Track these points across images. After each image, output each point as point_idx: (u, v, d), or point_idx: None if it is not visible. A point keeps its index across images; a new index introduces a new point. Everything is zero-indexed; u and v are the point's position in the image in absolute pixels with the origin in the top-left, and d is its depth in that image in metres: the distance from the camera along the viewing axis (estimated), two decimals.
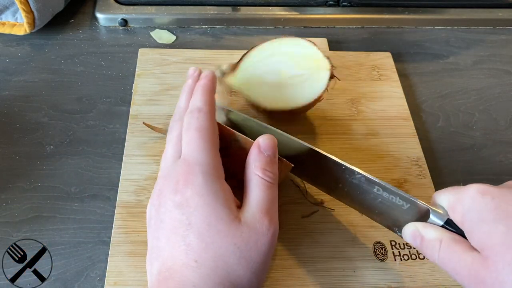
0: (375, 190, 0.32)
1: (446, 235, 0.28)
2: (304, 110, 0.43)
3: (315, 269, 0.37)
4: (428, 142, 0.48)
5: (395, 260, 0.38)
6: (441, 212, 0.29)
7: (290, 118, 0.45)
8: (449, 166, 0.46)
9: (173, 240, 0.28)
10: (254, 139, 0.33)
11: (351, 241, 0.39)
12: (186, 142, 0.31)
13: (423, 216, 0.30)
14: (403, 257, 0.38)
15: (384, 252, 0.38)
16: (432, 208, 0.29)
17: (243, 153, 0.33)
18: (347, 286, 0.36)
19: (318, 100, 0.41)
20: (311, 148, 0.35)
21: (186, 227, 0.28)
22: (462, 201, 0.27)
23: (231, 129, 0.35)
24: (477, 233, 0.25)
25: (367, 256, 0.38)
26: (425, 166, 0.44)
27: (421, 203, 0.30)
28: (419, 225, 0.30)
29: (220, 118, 0.39)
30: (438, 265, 0.28)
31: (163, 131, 0.44)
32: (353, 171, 0.33)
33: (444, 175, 0.45)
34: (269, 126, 0.38)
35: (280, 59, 0.42)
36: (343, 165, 0.33)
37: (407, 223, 0.31)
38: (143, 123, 0.44)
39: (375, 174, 0.43)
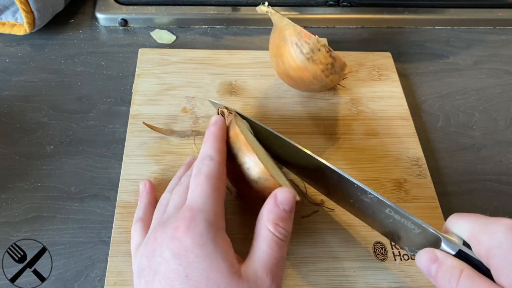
0: (386, 211, 0.31)
1: (467, 265, 0.26)
2: (343, 72, 0.43)
3: (315, 269, 0.37)
4: (428, 142, 0.48)
5: (395, 260, 0.38)
6: (454, 240, 0.28)
7: (332, 74, 0.43)
8: (449, 166, 0.46)
9: None
10: (264, 146, 0.33)
11: (351, 241, 0.39)
12: (193, 189, 0.30)
13: (433, 243, 0.29)
14: (403, 257, 0.38)
15: (384, 252, 0.38)
16: (445, 236, 0.28)
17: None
18: (347, 286, 0.36)
19: (349, 71, 0.42)
20: (322, 163, 0.34)
21: (183, 279, 0.26)
22: (490, 234, 0.25)
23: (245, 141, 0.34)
24: (510, 272, 0.24)
25: (367, 256, 0.38)
26: (425, 166, 0.44)
27: (433, 230, 0.29)
28: (437, 251, 0.28)
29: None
30: None
31: (163, 131, 0.44)
32: (365, 191, 0.32)
33: (444, 175, 0.45)
34: (281, 136, 0.36)
35: None
36: (355, 183, 0.32)
37: (418, 245, 0.30)
38: (143, 123, 0.44)
39: (375, 174, 0.43)
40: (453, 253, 0.27)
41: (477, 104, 0.52)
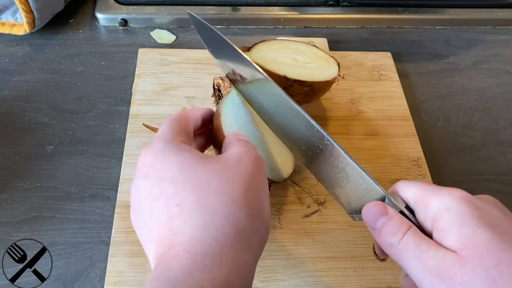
0: (339, 162, 0.31)
1: (414, 225, 0.27)
2: (321, 89, 0.43)
3: (315, 269, 0.37)
4: (428, 142, 0.48)
5: None
6: (396, 203, 0.28)
7: (308, 96, 0.44)
8: (449, 166, 0.46)
9: (154, 206, 0.26)
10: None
11: (351, 241, 0.39)
12: (161, 128, 0.30)
13: (377, 200, 0.29)
14: None
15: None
16: (389, 195, 0.28)
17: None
18: (347, 286, 0.36)
19: (333, 81, 0.42)
20: (283, 97, 0.34)
21: (158, 185, 0.26)
22: (441, 199, 0.26)
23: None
24: (456, 234, 0.25)
25: (367, 256, 0.38)
26: (425, 166, 0.44)
27: (379, 187, 0.29)
28: (388, 206, 0.28)
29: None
30: (395, 250, 0.26)
31: None
32: (323, 136, 0.32)
33: (444, 175, 0.45)
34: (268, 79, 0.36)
35: (291, 51, 0.43)
36: (316, 127, 0.32)
37: (360, 202, 0.30)
38: (143, 124, 0.44)
39: (375, 174, 0.43)
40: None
41: (477, 104, 0.52)
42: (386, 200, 0.28)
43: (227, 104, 0.36)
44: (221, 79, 0.38)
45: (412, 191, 0.28)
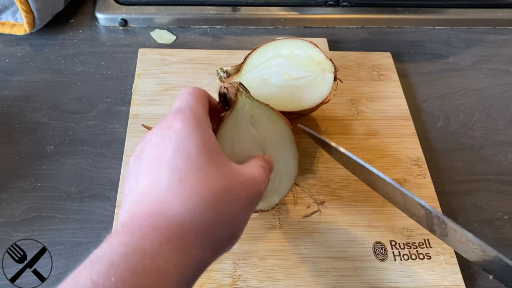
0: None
1: None
2: (311, 112, 0.43)
3: (315, 269, 0.37)
4: (428, 142, 0.48)
5: (395, 260, 0.38)
6: None
7: (296, 119, 0.45)
8: (449, 166, 0.46)
9: (157, 165, 0.26)
10: None
11: (351, 241, 0.39)
12: (177, 101, 0.30)
13: None
14: (403, 257, 0.38)
15: (384, 252, 0.38)
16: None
17: None
18: (347, 286, 0.36)
19: (324, 102, 0.41)
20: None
21: (174, 151, 0.26)
22: None
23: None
24: None
25: (367, 256, 0.38)
26: (425, 166, 0.44)
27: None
28: None
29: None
30: None
31: None
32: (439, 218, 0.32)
33: (444, 175, 0.45)
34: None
35: (282, 61, 0.42)
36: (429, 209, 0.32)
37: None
38: (142, 125, 0.44)
39: None
40: None
41: (477, 104, 0.52)
42: None
43: (227, 127, 0.33)
44: (226, 87, 0.34)
45: None
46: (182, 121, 0.27)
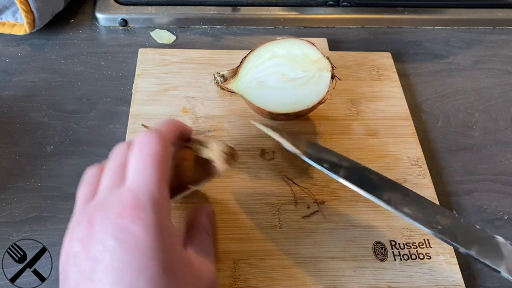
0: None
1: None
2: (308, 112, 0.43)
3: (315, 269, 0.37)
4: (428, 142, 0.48)
5: (395, 260, 0.38)
6: None
7: (294, 120, 0.45)
8: (449, 166, 0.46)
9: (114, 284, 0.23)
10: None
11: (351, 241, 0.39)
12: (134, 169, 0.26)
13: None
14: (403, 257, 0.38)
15: (384, 252, 0.38)
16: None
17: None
18: (347, 286, 0.36)
19: (321, 102, 0.41)
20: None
21: (137, 272, 0.23)
22: None
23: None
24: None
25: (367, 256, 0.38)
26: (425, 166, 0.44)
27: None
28: None
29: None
30: None
31: None
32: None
33: (444, 175, 0.45)
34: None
35: (279, 61, 0.42)
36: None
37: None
38: (142, 125, 0.44)
39: None
40: None
41: (477, 104, 0.52)
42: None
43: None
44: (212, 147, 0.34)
45: None
46: (142, 225, 0.24)
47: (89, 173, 0.30)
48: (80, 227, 0.25)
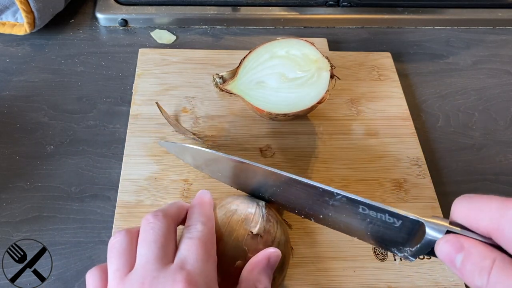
0: (360, 210, 0.28)
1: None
2: (308, 112, 0.43)
3: (315, 269, 0.37)
4: (428, 142, 0.48)
5: (395, 260, 0.38)
6: (438, 222, 0.25)
7: (293, 120, 0.45)
8: (449, 166, 0.46)
9: None
10: None
11: (351, 241, 0.39)
12: (187, 250, 0.28)
13: (418, 232, 0.26)
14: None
15: (384, 252, 0.38)
16: (427, 220, 0.26)
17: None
18: (347, 286, 0.36)
19: (320, 102, 0.41)
20: (288, 177, 0.31)
21: None
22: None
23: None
24: None
25: (367, 256, 0.38)
26: (425, 166, 0.44)
27: (413, 216, 0.26)
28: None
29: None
30: None
31: (169, 118, 0.45)
32: (332, 193, 0.29)
33: (444, 175, 0.45)
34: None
35: (278, 62, 0.42)
36: (320, 187, 0.29)
37: (404, 241, 0.27)
38: (156, 103, 0.45)
39: (375, 174, 0.43)
40: (440, 235, 0.25)
41: (477, 104, 0.52)
42: (427, 228, 0.25)
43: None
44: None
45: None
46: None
47: (118, 245, 0.29)
48: None
